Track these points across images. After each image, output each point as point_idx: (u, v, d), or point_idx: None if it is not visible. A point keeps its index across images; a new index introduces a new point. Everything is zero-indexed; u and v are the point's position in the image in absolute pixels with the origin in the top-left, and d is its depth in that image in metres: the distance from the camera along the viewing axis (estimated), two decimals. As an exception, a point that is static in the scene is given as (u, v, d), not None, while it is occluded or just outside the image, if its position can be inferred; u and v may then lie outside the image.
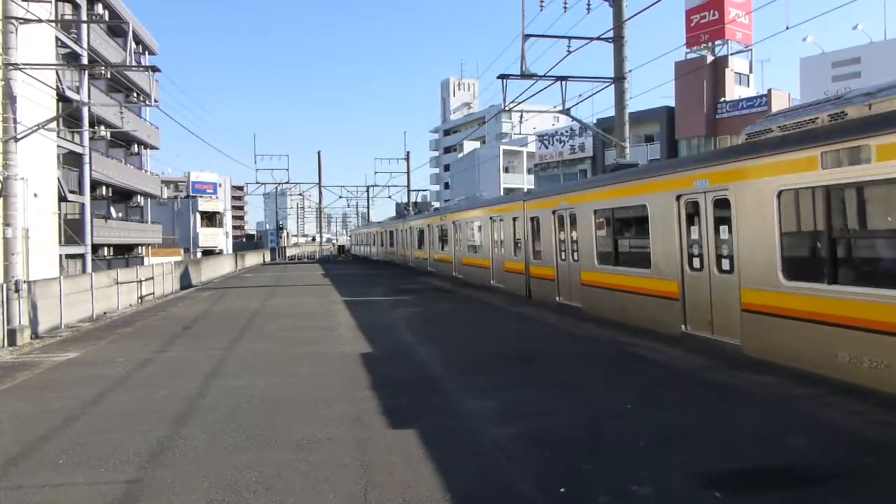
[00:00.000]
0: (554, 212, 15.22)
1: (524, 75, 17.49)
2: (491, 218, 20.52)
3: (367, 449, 5.33)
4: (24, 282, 14.10)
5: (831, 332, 7.24)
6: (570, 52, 17.39)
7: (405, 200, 55.15)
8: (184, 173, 77.54)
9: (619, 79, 17.66)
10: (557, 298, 15.09)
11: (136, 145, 46.59)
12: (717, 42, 39.01)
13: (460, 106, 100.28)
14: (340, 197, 65.24)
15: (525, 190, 40.72)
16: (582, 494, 4.32)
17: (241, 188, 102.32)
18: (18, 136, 14.69)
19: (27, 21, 14.96)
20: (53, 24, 23.32)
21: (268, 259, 56.94)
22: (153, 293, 23.01)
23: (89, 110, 33.35)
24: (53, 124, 21.98)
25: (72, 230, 31.33)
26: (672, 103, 39.72)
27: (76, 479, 4.87)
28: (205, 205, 71.41)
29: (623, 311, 11.93)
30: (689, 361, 8.39)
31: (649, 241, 11.08)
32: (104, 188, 40.16)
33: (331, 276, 29.92)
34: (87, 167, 35.23)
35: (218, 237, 73.47)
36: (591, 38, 17.37)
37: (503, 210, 19.47)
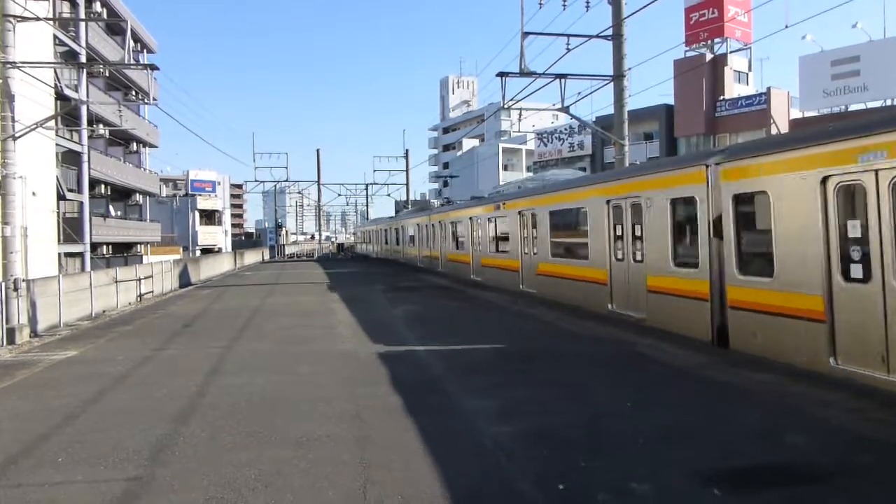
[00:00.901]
0: (825, 179, 7.65)
1: (523, 73, 17.48)
2: (610, 202, 12.88)
3: (367, 447, 5.34)
4: (23, 280, 14.09)
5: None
6: (569, 50, 17.39)
7: (404, 198, 55.21)
8: (183, 171, 77.82)
9: (618, 77, 17.67)
10: (833, 361, 7.45)
11: (134, 143, 46.56)
12: (717, 40, 39.02)
13: (459, 104, 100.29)
14: (339, 195, 65.07)
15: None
16: (581, 492, 4.33)
17: (239, 186, 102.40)
18: (16, 135, 14.67)
19: (25, 19, 14.93)
20: (51, 23, 23.28)
21: (267, 257, 56.92)
22: (152, 291, 22.99)
23: (88, 108, 33.30)
24: (52, 123, 21.96)
25: (70, 228, 31.33)
26: (671, 101, 39.75)
27: (76, 477, 4.87)
28: (203, 203, 71.45)
29: None
30: (688, 359, 8.40)
31: None
32: (103, 186, 40.11)
33: (330, 274, 29.91)
34: (85, 165, 35.22)
35: (217, 235, 73.50)
36: (591, 36, 17.38)
37: (646, 186, 11.57)
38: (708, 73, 37.96)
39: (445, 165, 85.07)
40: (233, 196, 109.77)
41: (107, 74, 36.52)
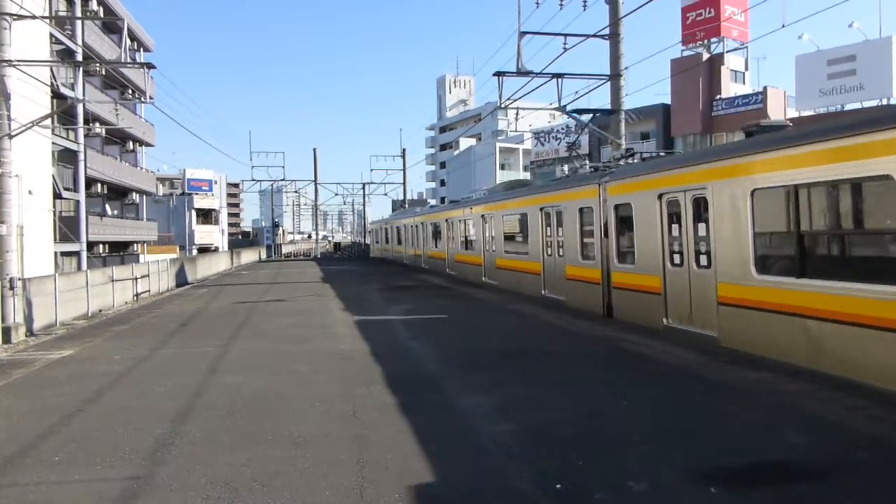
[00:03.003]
0: None
1: (520, 72, 17.47)
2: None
3: (364, 446, 5.33)
4: (19, 279, 14.06)
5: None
6: (566, 49, 17.39)
7: (401, 198, 55.21)
8: (179, 170, 77.49)
9: (615, 76, 17.69)
10: None
11: (131, 142, 46.49)
12: (713, 39, 39.12)
13: (456, 103, 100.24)
14: (336, 194, 65.26)
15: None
16: (579, 490, 4.33)
17: (236, 185, 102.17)
18: (12, 133, 14.63)
19: (21, 17, 14.89)
20: (47, 21, 23.21)
21: (263, 256, 56.86)
22: (149, 290, 22.97)
23: (84, 107, 33.22)
24: (48, 121, 21.90)
25: (67, 227, 31.24)
26: (668, 101, 39.82)
27: (73, 476, 4.86)
28: (200, 202, 71.41)
29: None
30: (685, 358, 8.41)
31: None
32: (99, 185, 40.03)
33: (328, 274, 29.88)
34: (81, 164, 35.11)
35: (213, 234, 73.45)
36: (587, 36, 17.38)
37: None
38: (704, 73, 38.06)
39: (442, 165, 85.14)
40: (229, 195, 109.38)
41: (103, 73, 36.57)
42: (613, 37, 17.48)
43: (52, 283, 15.77)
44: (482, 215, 21.33)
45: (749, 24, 40.00)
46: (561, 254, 15.24)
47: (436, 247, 28.97)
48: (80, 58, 31.18)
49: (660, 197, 10.93)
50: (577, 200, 14.27)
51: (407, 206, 50.98)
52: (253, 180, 52.97)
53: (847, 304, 7.29)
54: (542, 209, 16.28)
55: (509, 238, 19.03)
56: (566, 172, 18.96)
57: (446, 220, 26.85)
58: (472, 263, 22.38)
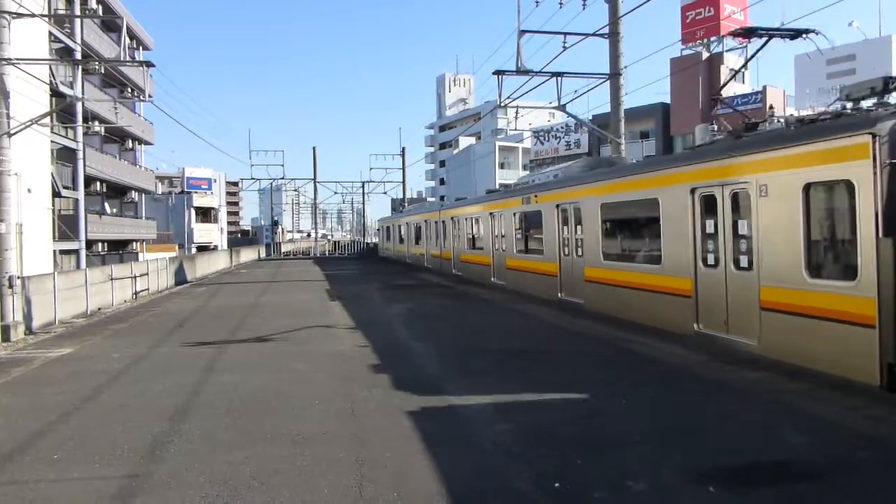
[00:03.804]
0: None
1: (520, 71, 17.46)
2: None
3: (363, 445, 5.32)
4: (18, 277, 14.04)
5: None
6: (565, 48, 17.35)
7: (400, 197, 55.16)
8: (178, 169, 77.38)
9: (614, 75, 17.68)
10: None
11: (130, 141, 46.39)
12: (713, 38, 39.12)
13: (456, 102, 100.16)
14: (336, 193, 64.47)
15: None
16: (578, 490, 4.33)
17: (235, 184, 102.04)
18: (12, 132, 14.59)
19: (20, 15, 14.85)
20: (46, 19, 23.16)
21: (263, 255, 56.77)
22: (148, 289, 22.93)
23: (83, 105, 33.15)
24: (47, 119, 21.87)
25: (66, 226, 31.21)
26: (667, 99, 39.80)
27: (71, 474, 4.85)
28: (199, 200, 71.35)
29: None
30: (685, 358, 8.41)
31: None
32: (98, 184, 39.95)
33: (327, 273, 29.85)
34: (80, 162, 35.03)
35: (213, 233, 73.39)
36: (587, 35, 17.35)
37: None
38: (704, 72, 38.01)
39: (442, 163, 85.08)
40: (229, 194, 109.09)
41: (102, 71, 36.51)
42: (613, 36, 17.47)
43: (51, 282, 15.74)
44: (556, 205, 15.15)
45: (749, 22, 40.00)
46: (745, 265, 8.90)
47: (473, 248, 22.78)
48: (79, 56, 31.08)
49: None
50: (801, 171, 7.91)
51: (406, 204, 50.88)
52: (252, 179, 52.85)
53: None
54: (693, 191, 10.03)
55: (610, 239, 13.02)
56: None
57: (491, 214, 20.41)
58: (538, 272, 16.41)
